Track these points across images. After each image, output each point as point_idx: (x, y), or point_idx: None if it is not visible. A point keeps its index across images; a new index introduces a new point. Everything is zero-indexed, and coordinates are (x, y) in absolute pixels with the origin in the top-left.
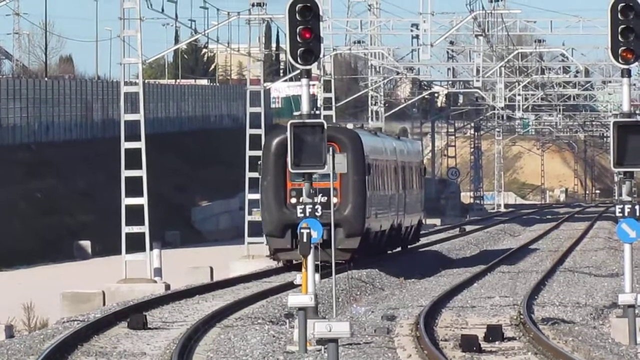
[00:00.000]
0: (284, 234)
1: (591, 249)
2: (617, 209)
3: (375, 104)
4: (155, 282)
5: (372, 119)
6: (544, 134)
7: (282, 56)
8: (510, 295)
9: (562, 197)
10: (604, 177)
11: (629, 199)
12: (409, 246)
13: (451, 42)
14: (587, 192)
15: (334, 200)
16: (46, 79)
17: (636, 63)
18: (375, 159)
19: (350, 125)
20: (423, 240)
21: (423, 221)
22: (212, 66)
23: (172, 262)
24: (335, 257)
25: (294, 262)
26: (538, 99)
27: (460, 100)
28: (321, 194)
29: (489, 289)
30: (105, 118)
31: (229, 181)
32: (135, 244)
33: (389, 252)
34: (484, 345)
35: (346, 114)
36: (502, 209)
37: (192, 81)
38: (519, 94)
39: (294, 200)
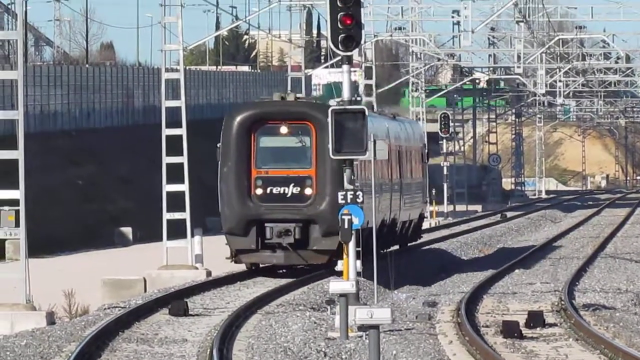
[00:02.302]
0: (248, 232)
1: (632, 235)
2: None
3: (416, 91)
4: (197, 268)
5: (412, 105)
6: (584, 120)
7: (323, 43)
8: (552, 282)
9: (603, 184)
10: None
11: None
12: (408, 244)
13: (492, 29)
14: (628, 178)
15: (308, 191)
16: (87, 65)
17: None
18: None
19: (333, 102)
20: (463, 227)
21: (426, 215)
22: (253, 53)
23: (213, 248)
24: (309, 259)
25: (261, 265)
26: (579, 85)
27: (502, 86)
28: (292, 184)
29: (530, 275)
30: (146, 105)
31: None
32: (176, 231)
33: (382, 251)
34: (525, 331)
35: (387, 100)
36: (543, 195)
37: (233, 68)
38: (560, 80)
39: (259, 191)
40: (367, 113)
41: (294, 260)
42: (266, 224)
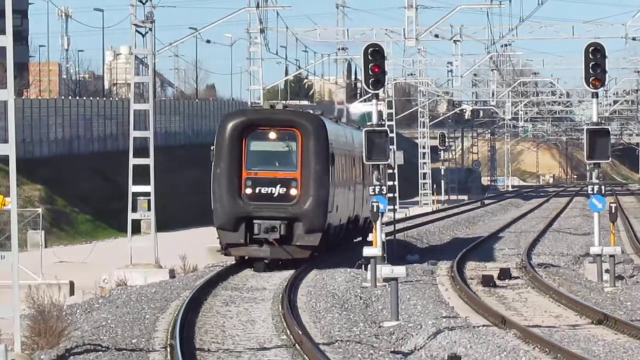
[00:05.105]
0: (237, 227)
1: (571, 216)
2: (589, 188)
3: (422, 117)
4: None
5: (419, 127)
6: (538, 137)
7: (358, 84)
8: (516, 248)
9: (551, 181)
10: (580, 167)
11: (597, 181)
12: (368, 237)
13: (475, 74)
14: (568, 177)
15: (293, 192)
16: (197, 100)
17: (602, 88)
18: (338, 148)
19: (311, 111)
20: (455, 210)
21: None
22: (311, 91)
23: None
24: (293, 254)
25: (246, 258)
26: (534, 113)
27: (481, 114)
28: (279, 185)
29: (501, 244)
30: None
31: None
32: None
33: (354, 242)
34: (498, 282)
35: (402, 124)
36: (510, 189)
37: (297, 102)
38: (522, 110)
39: (249, 191)
40: (388, 132)
41: (279, 255)
42: (254, 221)
